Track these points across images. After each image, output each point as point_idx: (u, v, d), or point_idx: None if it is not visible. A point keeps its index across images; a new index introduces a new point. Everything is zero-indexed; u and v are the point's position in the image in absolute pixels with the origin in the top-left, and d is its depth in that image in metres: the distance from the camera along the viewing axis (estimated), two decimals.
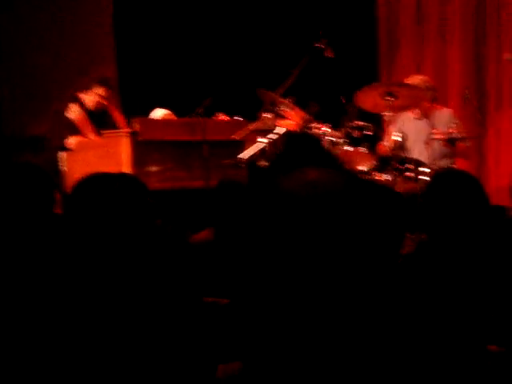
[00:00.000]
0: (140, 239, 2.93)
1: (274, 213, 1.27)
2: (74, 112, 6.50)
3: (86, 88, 6.61)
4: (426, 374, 2.46)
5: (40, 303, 2.45)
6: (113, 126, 6.65)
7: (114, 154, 5.99)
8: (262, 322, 1.29)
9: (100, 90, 6.59)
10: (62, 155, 6.40)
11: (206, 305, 2.82)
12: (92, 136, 6.43)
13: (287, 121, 6.54)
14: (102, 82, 6.63)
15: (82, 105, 6.59)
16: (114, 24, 8.22)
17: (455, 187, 2.88)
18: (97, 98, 6.59)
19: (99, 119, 6.63)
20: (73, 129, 6.46)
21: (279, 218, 1.26)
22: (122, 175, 3.57)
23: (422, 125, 6.71)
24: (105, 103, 6.64)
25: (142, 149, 6.03)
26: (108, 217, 2.76)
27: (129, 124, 6.23)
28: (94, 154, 6.10)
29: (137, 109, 7.09)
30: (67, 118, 6.49)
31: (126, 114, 6.79)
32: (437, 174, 3.32)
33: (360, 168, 6.20)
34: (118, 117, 6.83)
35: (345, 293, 1.26)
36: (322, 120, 6.25)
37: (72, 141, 6.39)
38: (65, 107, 6.56)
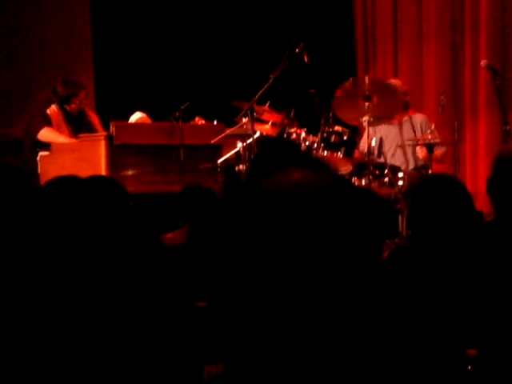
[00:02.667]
0: (119, 242, 2.92)
1: (257, 214, 1.24)
2: (52, 110, 6.50)
3: (73, 97, 6.59)
4: (407, 379, 2.46)
5: (14, 310, 2.43)
6: (89, 128, 6.63)
7: (90, 158, 5.97)
8: (243, 323, 1.27)
9: (80, 96, 6.57)
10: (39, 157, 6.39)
11: (187, 307, 2.80)
12: (67, 137, 6.39)
13: (265, 125, 6.55)
14: (77, 86, 6.60)
15: (62, 108, 6.57)
16: (93, 28, 8.18)
17: (443, 192, 2.91)
18: (76, 105, 6.56)
19: (76, 121, 6.60)
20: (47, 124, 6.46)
21: (262, 218, 1.24)
22: (99, 177, 3.56)
23: (396, 130, 6.73)
24: (82, 106, 6.62)
25: (118, 153, 6.01)
26: (83, 220, 2.73)
27: (107, 128, 6.21)
28: (69, 156, 6.08)
29: (116, 113, 7.06)
30: (44, 117, 6.46)
31: (105, 118, 6.76)
32: (425, 179, 3.34)
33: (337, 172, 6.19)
34: (94, 119, 6.80)
35: (327, 294, 1.24)
36: (299, 124, 6.26)
37: (45, 132, 6.36)
38: (42, 107, 6.54)
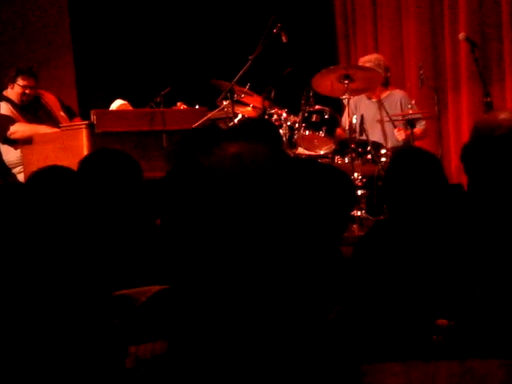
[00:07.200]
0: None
1: (195, 193, 1.24)
2: (4, 108, 6.40)
3: (9, 82, 6.46)
4: (377, 350, 2.49)
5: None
6: (46, 113, 6.56)
7: (73, 147, 5.96)
8: (185, 303, 1.28)
9: (22, 81, 6.45)
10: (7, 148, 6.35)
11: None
12: (47, 127, 6.35)
13: (246, 108, 6.55)
14: (22, 73, 6.47)
15: (10, 102, 6.46)
16: (70, 15, 8.16)
17: (414, 165, 2.92)
18: (20, 90, 6.45)
19: (29, 110, 6.51)
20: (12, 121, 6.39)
21: (204, 197, 1.23)
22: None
23: (375, 106, 6.74)
24: (30, 93, 6.48)
25: (101, 141, 5.99)
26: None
27: (88, 117, 6.18)
28: (52, 147, 6.06)
29: (96, 101, 7.04)
30: (3, 117, 6.36)
31: (85, 106, 6.73)
32: (396, 152, 3.36)
33: (319, 152, 6.23)
34: (52, 103, 6.69)
35: (276, 273, 1.24)
36: (280, 105, 6.27)
37: (19, 128, 6.30)
38: None
